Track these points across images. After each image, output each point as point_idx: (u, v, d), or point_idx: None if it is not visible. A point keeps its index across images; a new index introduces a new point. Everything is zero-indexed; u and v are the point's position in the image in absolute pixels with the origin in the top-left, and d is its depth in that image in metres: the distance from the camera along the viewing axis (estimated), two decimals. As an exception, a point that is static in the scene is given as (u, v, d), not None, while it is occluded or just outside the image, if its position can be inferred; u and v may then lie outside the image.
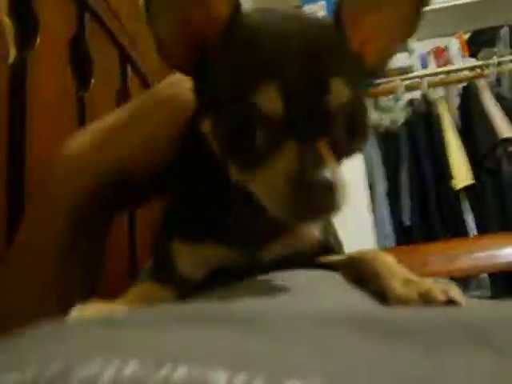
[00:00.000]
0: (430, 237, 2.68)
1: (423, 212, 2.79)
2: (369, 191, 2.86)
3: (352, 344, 0.26)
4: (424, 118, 2.99)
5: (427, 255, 1.86)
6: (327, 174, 0.36)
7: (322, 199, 0.36)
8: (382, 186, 2.92)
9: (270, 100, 0.37)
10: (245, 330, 0.27)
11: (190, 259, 0.53)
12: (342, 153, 0.41)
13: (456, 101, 3.08)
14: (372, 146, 2.97)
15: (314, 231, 0.57)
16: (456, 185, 2.75)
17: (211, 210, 0.51)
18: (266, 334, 0.27)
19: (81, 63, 0.82)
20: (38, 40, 0.70)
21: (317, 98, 0.37)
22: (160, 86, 0.58)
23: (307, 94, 0.37)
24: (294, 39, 0.39)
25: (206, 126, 0.42)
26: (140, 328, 0.28)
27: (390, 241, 2.80)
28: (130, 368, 0.21)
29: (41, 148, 0.67)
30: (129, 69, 1.02)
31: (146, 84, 1.11)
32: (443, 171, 2.79)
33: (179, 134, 0.54)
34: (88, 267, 0.58)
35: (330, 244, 0.59)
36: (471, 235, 2.69)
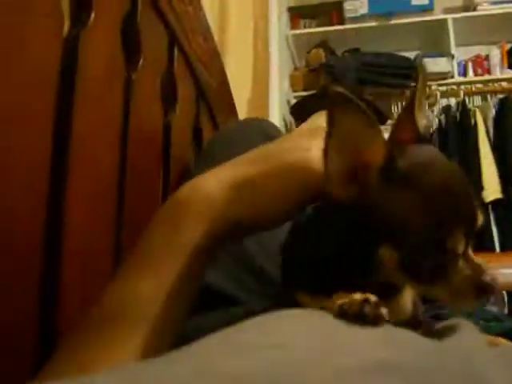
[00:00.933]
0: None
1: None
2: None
3: None
4: (458, 126, 2.95)
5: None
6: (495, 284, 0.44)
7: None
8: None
9: (460, 243, 0.44)
10: None
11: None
12: None
13: (492, 112, 3.02)
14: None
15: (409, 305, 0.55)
16: (487, 197, 2.71)
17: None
18: None
19: (130, 42, 0.81)
20: (93, 15, 0.69)
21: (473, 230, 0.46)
22: (287, 145, 0.57)
23: (473, 230, 0.46)
24: (463, 186, 0.46)
25: (385, 254, 0.46)
26: None
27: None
28: None
29: (86, 125, 0.66)
30: (176, 53, 1.00)
31: (191, 71, 1.10)
32: (473, 182, 2.74)
33: (305, 202, 0.54)
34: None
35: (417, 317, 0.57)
36: (496, 251, 2.65)
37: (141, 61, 0.83)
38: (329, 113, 0.45)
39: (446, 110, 3.08)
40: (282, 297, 0.59)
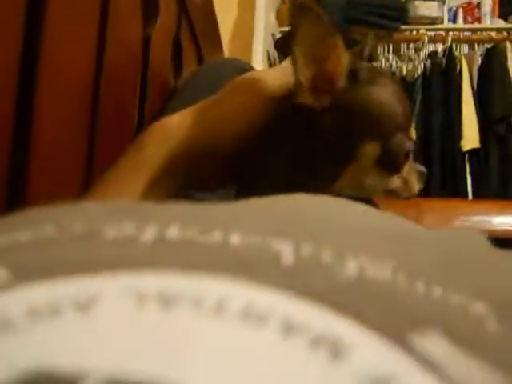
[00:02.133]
0: (426, 193, 2.67)
1: (425, 166, 2.76)
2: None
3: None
4: (443, 73, 2.92)
5: (423, 211, 1.86)
6: None
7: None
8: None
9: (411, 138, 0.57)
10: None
11: None
12: None
13: (478, 61, 2.99)
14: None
15: None
16: (464, 146, 2.71)
17: None
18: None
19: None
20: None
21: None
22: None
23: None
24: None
25: (367, 149, 0.52)
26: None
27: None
28: (173, 231, 0.18)
29: (60, 26, 0.62)
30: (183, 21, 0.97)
31: (195, 41, 1.05)
32: (452, 130, 2.75)
33: (256, 117, 0.56)
34: None
35: None
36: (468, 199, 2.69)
37: (158, 21, 0.79)
38: (292, 22, 0.49)
39: (433, 55, 3.03)
40: None
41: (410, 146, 0.55)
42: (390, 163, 0.54)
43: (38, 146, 0.58)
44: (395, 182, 0.57)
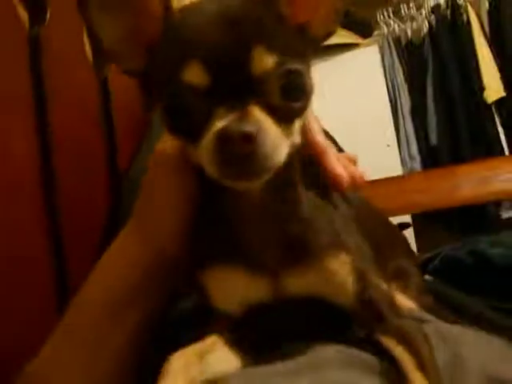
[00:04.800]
0: (458, 158, 2.52)
1: (451, 130, 2.61)
2: (391, 109, 2.70)
3: None
4: (450, 26, 2.75)
5: (457, 179, 1.73)
6: (250, 128, 0.38)
7: (244, 150, 0.39)
8: (406, 103, 2.73)
9: (194, 74, 0.40)
10: None
11: (220, 290, 0.52)
12: (282, 116, 0.43)
13: (486, 5, 2.80)
14: (394, 61, 2.77)
15: (346, 277, 0.50)
16: (488, 97, 2.54)
17: (221, 229, 0.51)
18: None
19: None
20: None
21: (240, 66, 0.40)
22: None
23: (230, 63, 0.40)
24: (214, 16, 0.42)
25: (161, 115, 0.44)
26: None
27: (417, 162, 2.66)
28: None
29: None
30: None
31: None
32: (473, 84, 2.58)
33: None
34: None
35: (375, 302, 0.50)
36: (505, 154, 2.52)
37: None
38: None
39: (436, 9, 2.86)
40: None
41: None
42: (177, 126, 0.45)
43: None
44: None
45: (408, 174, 2.53)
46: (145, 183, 0.57)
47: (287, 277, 0.49)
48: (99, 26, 0.44)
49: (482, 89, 2.56)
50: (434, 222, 2.58)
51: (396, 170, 2.57)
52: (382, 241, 0.63)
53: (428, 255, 0.86)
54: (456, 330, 0.52)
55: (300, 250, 0.49)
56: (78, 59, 0.75)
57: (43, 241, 0.62)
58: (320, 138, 0.55)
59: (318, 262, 0.49)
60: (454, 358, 0.46)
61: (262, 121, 0.40)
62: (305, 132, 0.50)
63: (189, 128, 0.42)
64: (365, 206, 0.68)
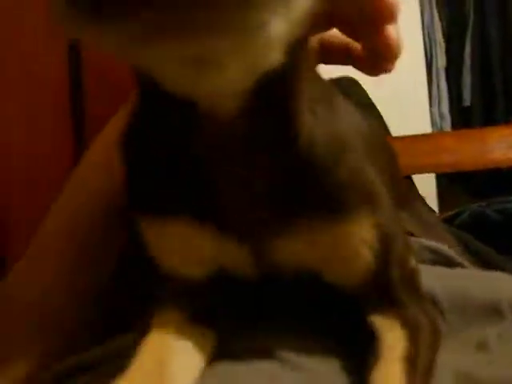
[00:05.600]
0: (489, 120, 2.45)
1: (486, 92, 2.52)
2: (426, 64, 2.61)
3: None
4: None
5: (488, 141, 1.69)
6: None
7: None
8: (441, 59, 2.64)
9: None
10: None
11: (172, 251, 0.37)
12: None
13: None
14: (434, 16, 2.65)
15: (365, 250, 0.35)
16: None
17: (177, 164, 0.34)
18: None
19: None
20: None
21: None
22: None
23: None
24: None
25: None
26: None
27: (446, 121, 2.59)
28: None
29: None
30: None
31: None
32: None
33: None
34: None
35: (392, 287, 0.37)
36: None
37: None
38: None
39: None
40: None
41: None
42: None
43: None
44: None
45: (437, 133, 2.48)
46: None
47: (276, 241, 0.35)
48: None
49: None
50: (458, 183, 2.55)
51: (425, 128, 2.52)
52: (395, 181, 0.50)
53: (452, 212, 0.84)
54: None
55: (300, 203, 0.34)
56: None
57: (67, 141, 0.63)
58: None
59: (327, 225, 0.34)
60: None
61: None
62: None
63: None
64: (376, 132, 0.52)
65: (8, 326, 0.49)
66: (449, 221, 0.81)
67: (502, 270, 0.53)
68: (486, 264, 0.61)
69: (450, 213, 0.85)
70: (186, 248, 0.37)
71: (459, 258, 0.53)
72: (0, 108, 0.60)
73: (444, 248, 0.53)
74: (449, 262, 0.51)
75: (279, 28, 0.20)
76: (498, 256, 0.65)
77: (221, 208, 0.34)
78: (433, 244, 0.52)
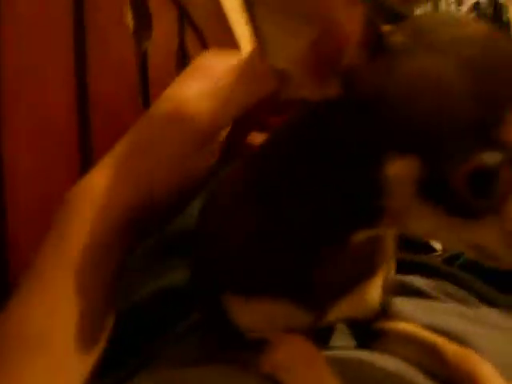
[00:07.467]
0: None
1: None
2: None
3: None
4: (490, 24, 2.68)
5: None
6: None
7: None
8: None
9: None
10: None
11: (251, 318, 0.43)
12: None
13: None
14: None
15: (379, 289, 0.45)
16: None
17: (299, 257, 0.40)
18: None
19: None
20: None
21: None
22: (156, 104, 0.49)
23: None
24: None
25: (398, 171, 0.29)
26: None
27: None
28: None
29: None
30: (186, 26, 0.90)
31: (203, 42, 0.96)
32: None
33: (196, 148, 0.46)
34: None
35: (387, 304, 0.48)
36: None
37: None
38: None
39: (476, 7, 2.80)
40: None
41: (496, 159, 0.28)
42: (454, 196, 0.29)
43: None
44: (486, 234, 0.30)
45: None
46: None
47: (333, 307, 0.43)
48: (270, 37, 0.29)
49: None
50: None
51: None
52: None
53: (453, 253, 0.84)
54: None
55: (354, 281, 0.43)
56: (119, 30, 0.76)
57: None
58: None
59: (364, 288, 0.43)
60: None
61: None
62: None
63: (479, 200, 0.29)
64: None
65: None
66: (449, 261, 0.80)
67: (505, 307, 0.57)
68: (491, 304, 0.63)
69: (450, 253, 0.84)
70: (269, 320, 0.43)
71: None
72: (10, 145, 0.60)
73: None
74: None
75: None
76: (498, 294, 0.65)
77: (314, 294, 0.41)
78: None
